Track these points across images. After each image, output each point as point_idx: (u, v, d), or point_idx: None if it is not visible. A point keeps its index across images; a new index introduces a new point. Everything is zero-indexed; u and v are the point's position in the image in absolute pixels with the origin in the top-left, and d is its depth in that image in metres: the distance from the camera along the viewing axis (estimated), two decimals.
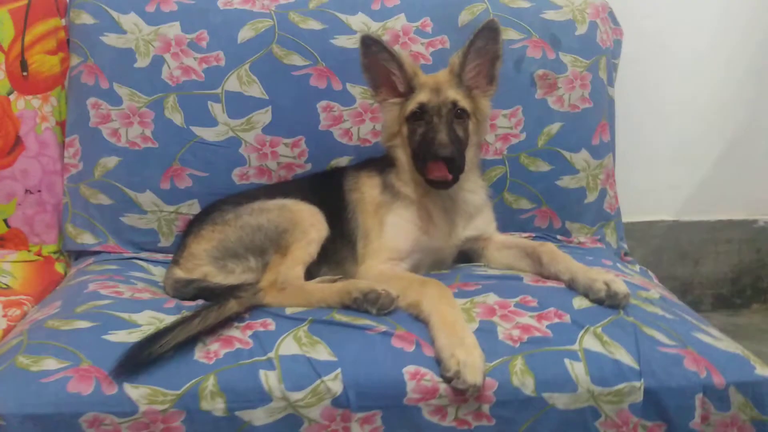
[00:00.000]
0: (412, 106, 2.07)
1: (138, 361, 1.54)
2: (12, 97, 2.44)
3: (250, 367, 1.59)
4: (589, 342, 1.68)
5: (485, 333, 1.69)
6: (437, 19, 2.58)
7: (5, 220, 2.46)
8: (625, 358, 1.65)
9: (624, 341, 1.69)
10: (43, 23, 2.47)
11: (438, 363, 1.59)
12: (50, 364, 1.56)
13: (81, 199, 2.45)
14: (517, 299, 1.85)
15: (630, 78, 2.94)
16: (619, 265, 2.35)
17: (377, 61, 2.08)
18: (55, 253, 2.50)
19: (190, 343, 1.62)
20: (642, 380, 1.62)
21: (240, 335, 1.69)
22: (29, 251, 2.46)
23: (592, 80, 2.61)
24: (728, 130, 3.34)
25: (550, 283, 1.98)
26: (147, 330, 1.66)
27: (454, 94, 2.06)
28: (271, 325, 1.74)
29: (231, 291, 1.82)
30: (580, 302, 1.84)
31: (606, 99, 2.68)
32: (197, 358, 1.60)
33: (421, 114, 2.05)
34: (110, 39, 2.42)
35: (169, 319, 1.71)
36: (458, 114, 2.06)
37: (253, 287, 1.87)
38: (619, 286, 1.83)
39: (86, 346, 1.62)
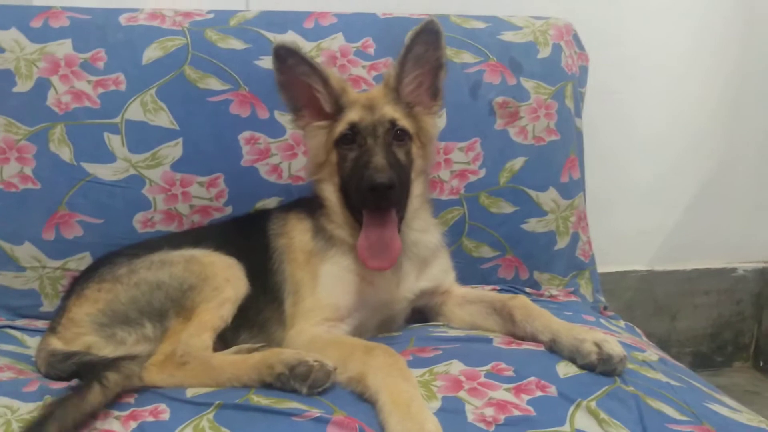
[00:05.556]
0: (341, 127, 1.87)
1: None
2: None
3: None
4: (582, 421, 1.46)
5: (450, 414, 1.46)
6: (380, 39, 2.42)
7: None
8: None
9: (625, 418, 1.48)
10: None
11: None
12: None
13: None
14: (488, 367, 1.63)
15: (596, 111, 2.80)
16: (602, 320, 2.20)
17: (296, 77, 1.88)
18: None
19: None
20: None
21: (119, 428, 1.42)
22: None
23: (558, 109, 2.48)
24: (702, 167, 3.26)
25: (526, 345, 1.78)
26: None
27: (391, 111, 1.87)
28: (165, 412, 1.48)
29: (106, 368, 1.53)
30: (566, 369, 1.64)
31: (574, 131, 2.56)
32: None
33: (352, 136, 1.85)
34: None
35: (25, 408, 1.49)
36: (398, 135, 1.86)
37: (135, 361, 1.59)
38: (614, 347, 1.63)
39: None
